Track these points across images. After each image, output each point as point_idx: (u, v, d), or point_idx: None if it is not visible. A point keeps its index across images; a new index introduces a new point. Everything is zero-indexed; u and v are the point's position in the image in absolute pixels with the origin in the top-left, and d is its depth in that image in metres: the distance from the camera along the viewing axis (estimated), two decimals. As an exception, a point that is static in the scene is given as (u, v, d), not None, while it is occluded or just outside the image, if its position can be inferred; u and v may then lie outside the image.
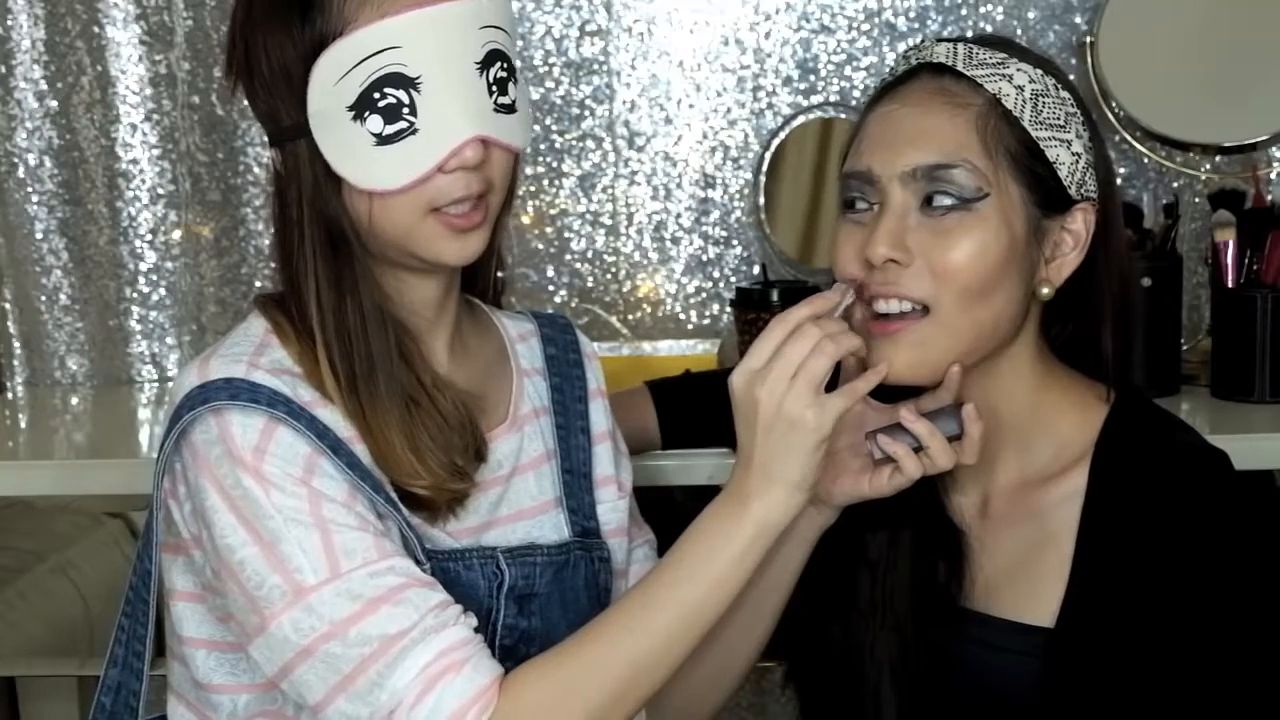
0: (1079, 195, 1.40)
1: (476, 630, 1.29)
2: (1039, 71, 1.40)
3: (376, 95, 1.28)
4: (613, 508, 1.49)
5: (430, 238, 1.32)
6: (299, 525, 1.26)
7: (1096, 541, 1.39)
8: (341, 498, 1.28)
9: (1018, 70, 1.40)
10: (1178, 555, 1.36)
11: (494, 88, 1.32)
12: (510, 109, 1.34)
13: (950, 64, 1.40)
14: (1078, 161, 1.40)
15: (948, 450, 1.35)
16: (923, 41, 1.45)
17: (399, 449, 1.32)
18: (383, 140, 1.29)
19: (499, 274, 1.52)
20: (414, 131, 1.29)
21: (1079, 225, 1.41)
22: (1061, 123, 1.39)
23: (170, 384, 2.55)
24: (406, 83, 1.28)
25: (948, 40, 1.43)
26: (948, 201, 1.36)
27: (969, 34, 2.46)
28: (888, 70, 1.47)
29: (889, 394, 1.40)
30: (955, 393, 1.38)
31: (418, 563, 1.31)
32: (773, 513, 1.29)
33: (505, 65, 1.33)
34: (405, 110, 1.29)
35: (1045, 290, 1.41)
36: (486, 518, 1.40)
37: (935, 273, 1.36)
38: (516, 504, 1.42)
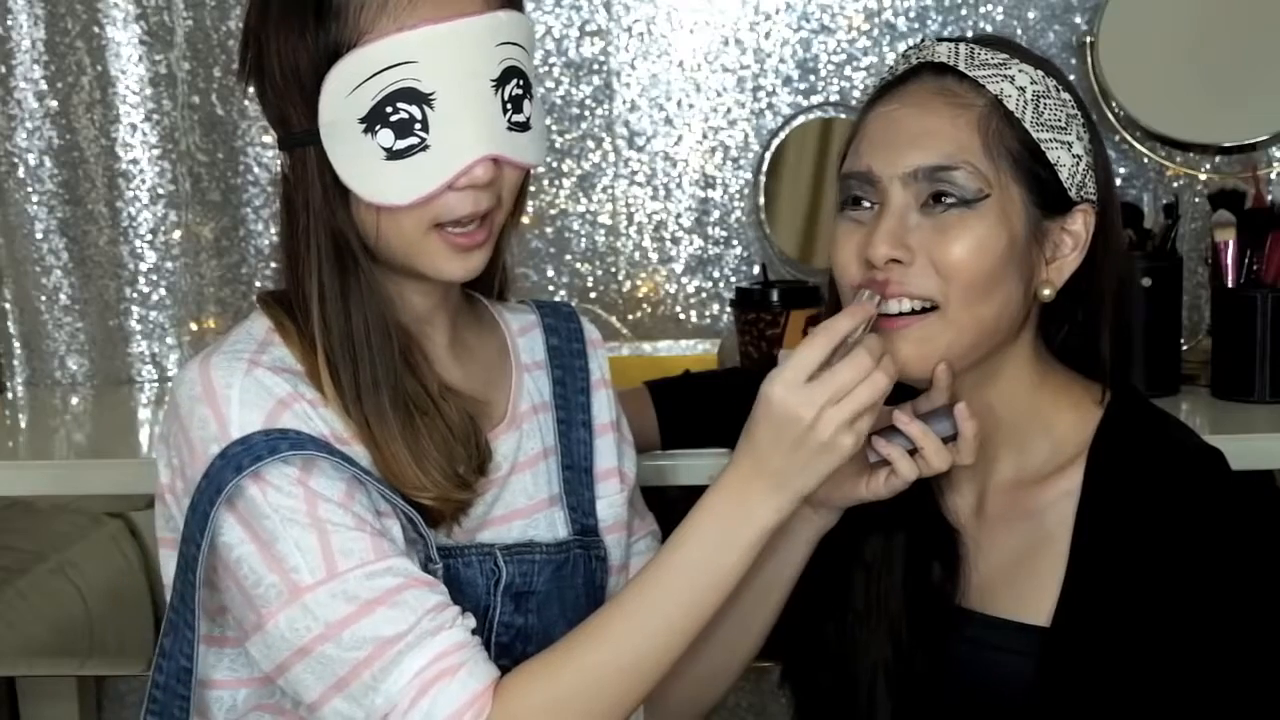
0: (1079, 197, 1.40)
1: (474, 632, 1.28)
2: (1040, 73, 1.40)
3: (389, 109, 1.27)
4: (611, 503, 1.48)
5: (433, 255, 1.31)
6: (295, 525, 1.26)
7: (1092, 540, 1.39)
8: (338, 497, 1.28)
9: (1019, 71, 1.39)
10: (1173, 553, 1.36)
11: (509, 105, 1.31)
12: (524, 126, 1.32)
13: (952, 64, 1.40)
14: (1078, 163, 1.40)
15: (942, 451, 1.35)
16: (923, 41, 1.44)
17: (405, 463, 1.31)
18: (393, 155, 1.28)
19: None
20: (425, 148, 1.28)
21: (1079, 226, 1.41)
22: (1063, 124, 1.39)
23: (170, 385, 2.56)
24: (420, 98, 1.27)
25: (949, 40, 1.42)
26: (948, 200, 1.36)
27: (969, 34, 2.46)
28: (887, 69, 1.46)
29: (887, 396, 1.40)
30: (948, 392, 1.38)
31: (429, 561, 1.31)
32: (775, 519, 1.29)
33: (521, 82, 1.32)
34: (417, 126, 1.27)
35: (1047, 291, 1.41)
36: (481, 519, 1.39)
37: (938, 268, 1.35)
38: (511, 503, 1.42)
